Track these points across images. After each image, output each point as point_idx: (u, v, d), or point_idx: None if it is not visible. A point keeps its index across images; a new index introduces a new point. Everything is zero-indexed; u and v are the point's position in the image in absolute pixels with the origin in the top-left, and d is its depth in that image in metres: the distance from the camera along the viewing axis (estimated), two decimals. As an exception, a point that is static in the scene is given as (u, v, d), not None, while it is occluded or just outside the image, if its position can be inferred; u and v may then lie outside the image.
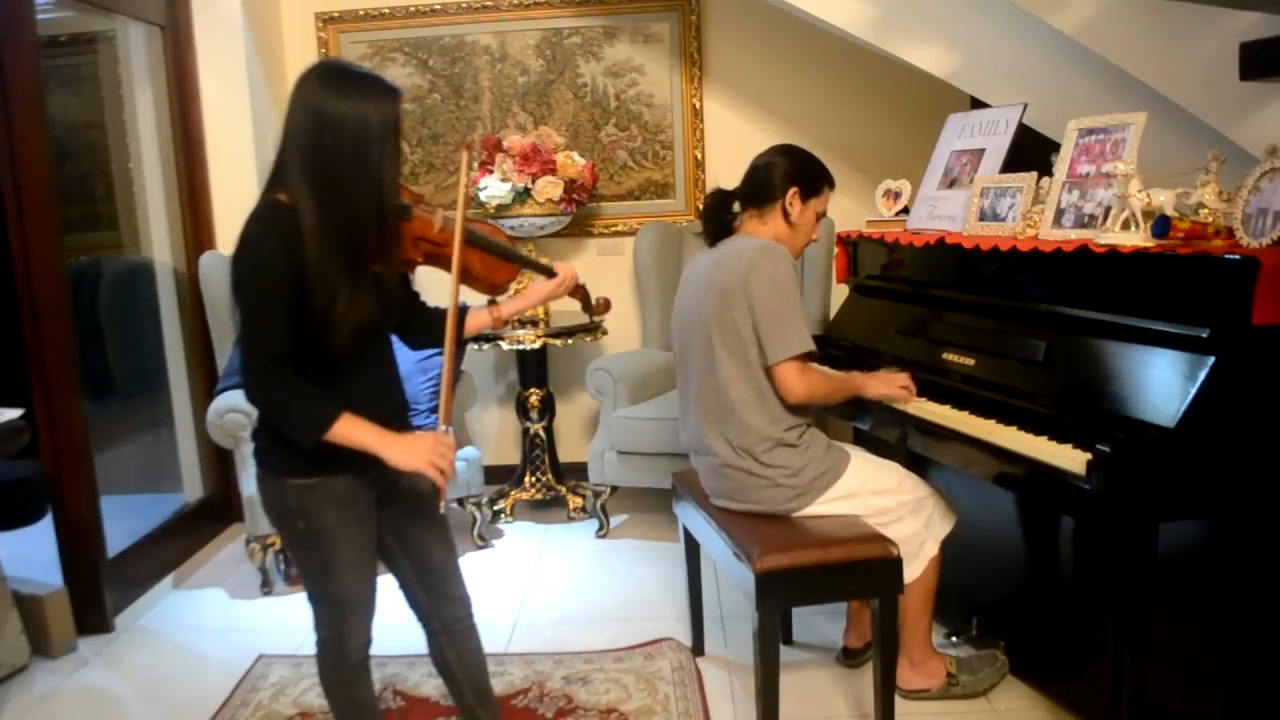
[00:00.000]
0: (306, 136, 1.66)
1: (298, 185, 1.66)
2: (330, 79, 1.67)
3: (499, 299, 2.07)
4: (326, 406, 1.71)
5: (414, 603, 2.03)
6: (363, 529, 1.88)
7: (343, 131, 1.64)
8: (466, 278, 1.92)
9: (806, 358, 2.30)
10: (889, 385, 2.44)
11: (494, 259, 1.99)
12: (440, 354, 3.66)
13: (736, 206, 2.50)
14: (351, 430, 1.72)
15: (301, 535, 1.85)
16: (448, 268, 1.85)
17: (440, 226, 1.87)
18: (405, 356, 2.08)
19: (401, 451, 1.74)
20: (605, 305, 2.32)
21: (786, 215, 2.42)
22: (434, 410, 3.58)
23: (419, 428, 1.97)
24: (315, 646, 1.94)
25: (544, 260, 2.16)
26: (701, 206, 2.55)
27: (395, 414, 1.91)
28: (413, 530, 1.97)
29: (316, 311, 1.66)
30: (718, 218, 2.50)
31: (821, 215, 2.49)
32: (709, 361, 2.36)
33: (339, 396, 1.75)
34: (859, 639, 2.70)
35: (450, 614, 2.02)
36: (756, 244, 2.35)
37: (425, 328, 2.01)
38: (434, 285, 2.05)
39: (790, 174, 2.42)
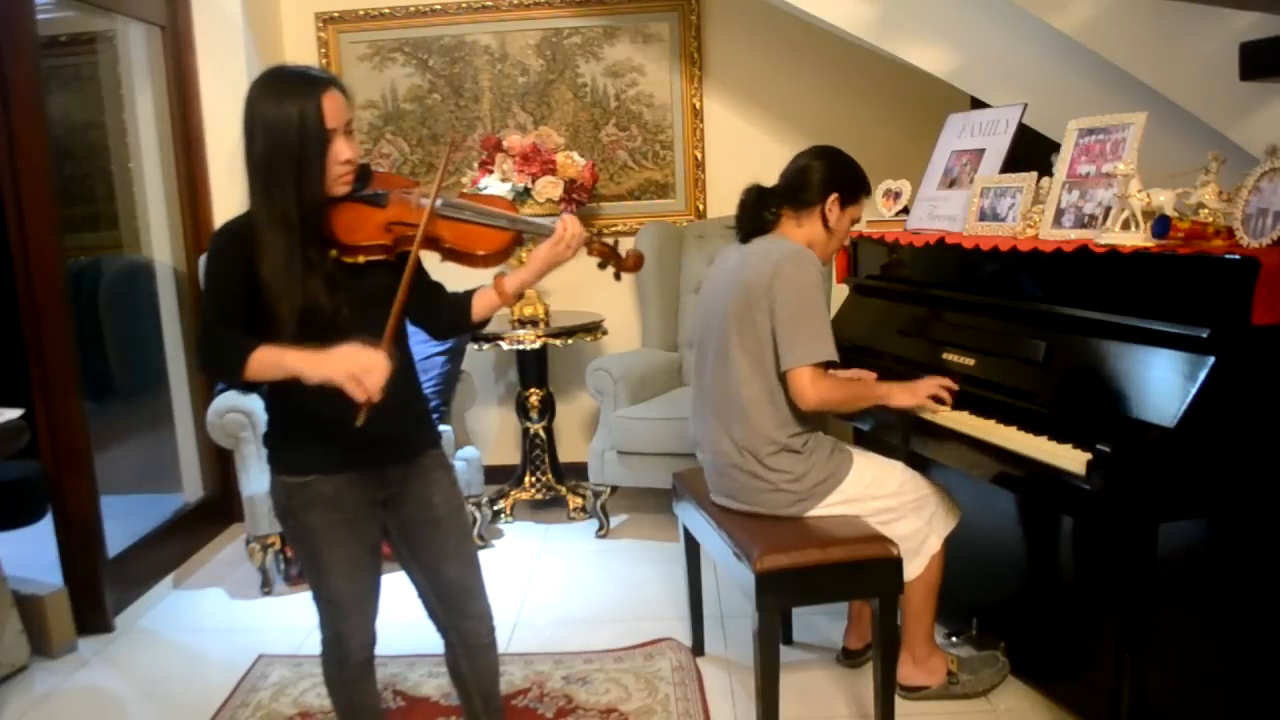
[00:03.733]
0: (247, 143, 1.71)
1: (250, 189, 1.72)
2: (263, 85, 1.72)
3: (505, 271, 1.97)
4: (244, 342, 1.70)
5: (430, 612, 2.01)
6: (353, 532, 1.86)
7: (270, 132, 1.69)
8: (456, 256, 1.85)
9: (824, 366, 2.26)
10: (916, 396, 2.32)
11: (480, 228, 1.86)
12: (439, 353, 3.65)
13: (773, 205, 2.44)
14: (264, 359, 1.69)
15: (293, 532, 1.88)
16: (426, 247, 1.82)
17: (416, 205, 1.82)
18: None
19: (312, 363, 1.68)
20: (637, 260, 2.00)
21: (825, 221, 2.41)
22: (438, 409, 3.59)
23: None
24: (320, 646, 1.94)
25: (541, 220, 1.98)
26: (738, 202, 2.48)
27: (402, 406, 1.88)
28: (423, 541, 1.95)
29: (263, 305, 1.70)
30: (755, 216, 2.43)
31: (856, 221, 2.49)
32: (724, 359, 2.35)
33: (322, 389, 1.73)
34: (859, 640, 2.70)
35: (469, 630, 1.99)
36: (786, 248, 2.32)
37: (444, 315, 1.98)
38: (455, 275, 2.00)
39: (830, 180, 2.41)
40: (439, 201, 1.82)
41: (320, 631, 1.93)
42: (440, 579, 1.96)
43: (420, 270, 1.91)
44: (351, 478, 1.84)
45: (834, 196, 2.40)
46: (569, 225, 1.87)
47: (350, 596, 1.88)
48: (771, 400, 2.30)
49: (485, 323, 1.99)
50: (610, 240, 1.98)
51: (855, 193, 2.45)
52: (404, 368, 1.92)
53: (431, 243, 1.82)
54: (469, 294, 1.96)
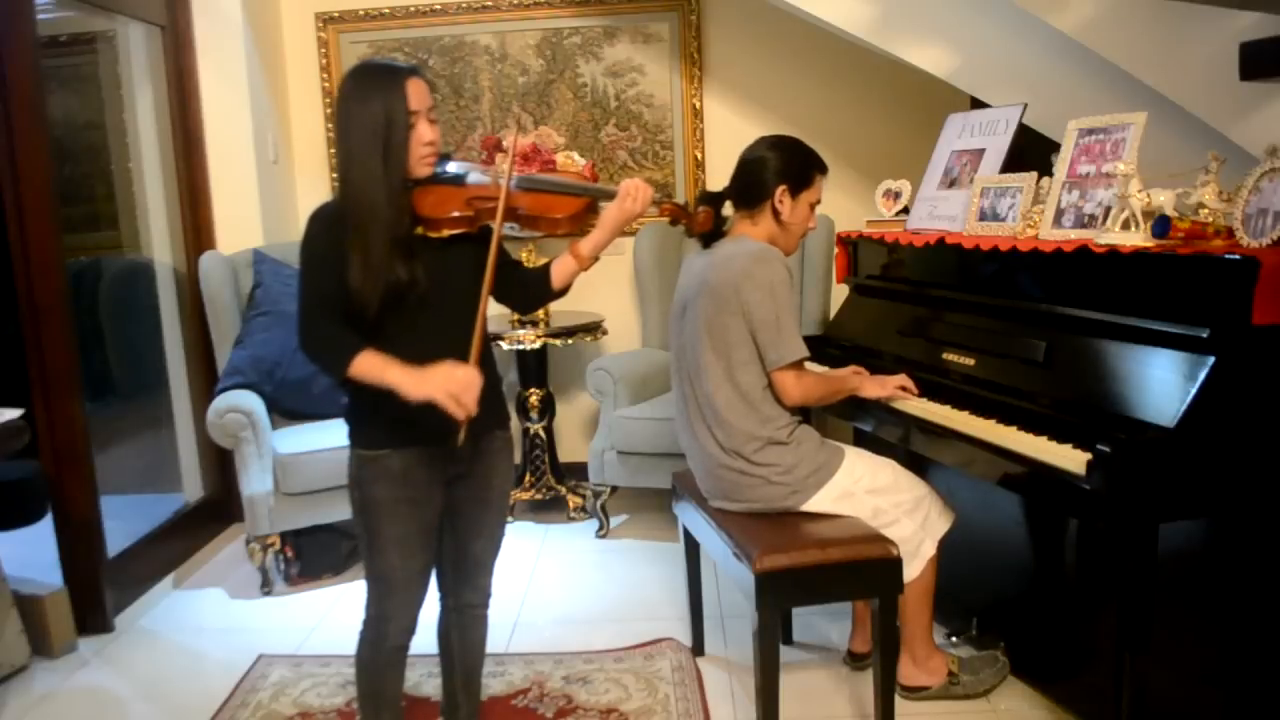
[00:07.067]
0: (338, 134, 1.85)
1: (341, 176, 1.85)
2: (352, 79, 1.85)
3: (580, 239, 2.06)
4: (352, 342, 1.80)
5: (440, 575, 2.08)
6: (415, 510, 1.91)
7: (357, 124, 1.80)
8: (537, 223, 1.96)
9: (800, 363, 2.32)
10: (885, 387, 2.46)
11: (555, 196, 2.00)
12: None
13: (728, 207, 2.44)
14: (369, 365, 1.79)
15: (357, 505, 1.94)
16: (507, 218, 1.91)
17: (495, 181, 1.92)
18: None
19: (412, 381, 1.78)
20: (708, 216, 2.28)
21: (776, 214, 2.38)
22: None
23: None
24: (361, 625, 1.98)
25: (608, 185, 2.11)
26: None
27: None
28: (467, 515, 2.02)
29: (349, 284, 1.78)
30: None
31: (815, 204, 2.43)
32: (698, 364, 2.36)
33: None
34: (864, 644, 2.68)
35: (467, 599, 2.09)
36: (750, 248, 2.32)
37: (524, 290, 2.07)
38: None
39: (777, 171, 2.36)
40: (514, 180, 1.92)
41: (365, 610, 1.97)
42: (465, 552, 2.05)
43: (501, 249, 1.95)
44: (421, 454, 1.89)
45: (782, 188, 2.36)
46: (635, 182, 2.00)
47: (400, 574, 1.92)
48: (745, 401, 2.32)
49: (566, 290, 2.07)
50: (680, 200, 2.09)
51: (805, 177, 2.39)
52: (463, 331, 1.94)
53: (511, 213, 1.92)
54: (547, 265, 2.05)
